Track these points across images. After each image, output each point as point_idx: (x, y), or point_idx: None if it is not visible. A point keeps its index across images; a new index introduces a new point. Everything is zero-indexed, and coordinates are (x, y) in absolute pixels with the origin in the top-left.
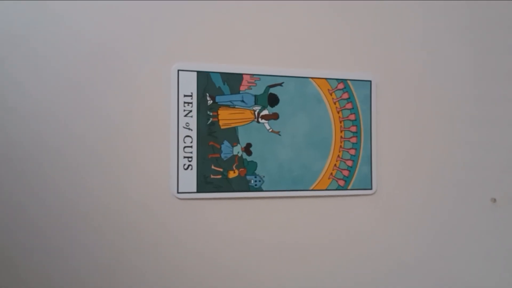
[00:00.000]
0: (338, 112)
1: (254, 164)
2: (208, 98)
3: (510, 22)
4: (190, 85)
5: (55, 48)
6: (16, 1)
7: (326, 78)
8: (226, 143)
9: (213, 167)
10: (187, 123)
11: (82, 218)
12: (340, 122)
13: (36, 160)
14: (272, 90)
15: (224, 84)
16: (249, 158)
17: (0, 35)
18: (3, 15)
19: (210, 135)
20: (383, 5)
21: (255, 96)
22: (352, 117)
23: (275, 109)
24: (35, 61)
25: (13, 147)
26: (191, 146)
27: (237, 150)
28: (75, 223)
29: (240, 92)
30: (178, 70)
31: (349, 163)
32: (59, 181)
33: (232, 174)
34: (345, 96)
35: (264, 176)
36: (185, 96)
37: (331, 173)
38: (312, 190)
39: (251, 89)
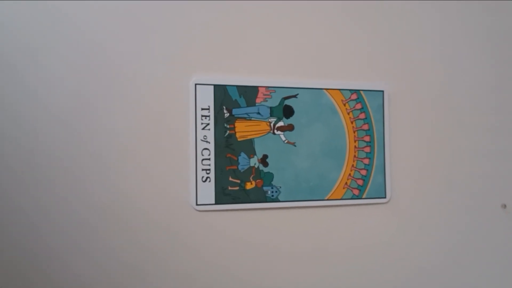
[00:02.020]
0: (351, 122)
1: (270, 175)
2: (225, 111)
3: None
4: (207, 98)
5: (70, 58)
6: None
7: (339, 89)
8: (243, 155)
9: (230, 178)
10: (205, 136)
11: (101, 230)
12: (354, 132)
13: (54, 168)
14: (287, 102)
15: (240, 97)
16: (265, 170)
17: (3, 35)
18: (3, 16)
19: (227, 147)
20: (396, 15)
21: (271, 108)
22: (366, 127)
23: (290, 121)
24: (47, 70)
25: (23, 151)
26: (209, 159)
27: (254, 161)
28: (94, 234)
29: (256, 104)
30: (196, 84)
31: (363, 172)
32: (77, 190)
33: (249, 186)
34: (358, 106)
35: (280, 187)
36: (202, 109)
37: (346, 183)
38: (327, 199)
39: (266, 101)
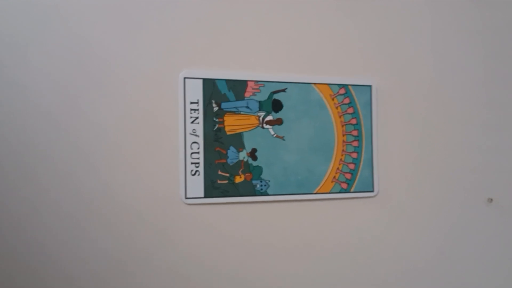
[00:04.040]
0: (340, 117)
1: (259, 169)
2: (214, 105)
3: None
4: (196, 92)
5: (58, 53)
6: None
7: (328, 84)
8: (232, 148)
9: (219, 172)
10: (194, 129)
11: (90, 223)
12: (342, 126)
13: (39, 166)
14: (276, 96)
15: (229, 91)
16: (254, 163)
17: None
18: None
19: (216, 141)
20: (385, 9)
21: (260, 102)
22: (354, 121)
23: (279, 115)
24: (35, 65)
25: (11, 151)
26: (198, 152)
27: (243, 155)
28: (82, 228)
29: (245, 98)
30: (185, 78)
31: (351, 166)
32: (65, 186)
33: (238, 179)
34: (347, 101)
35: (269, 181)
36: (191, 103)
37: (334, 176)
38: (316, 193)
39: (255, 95)
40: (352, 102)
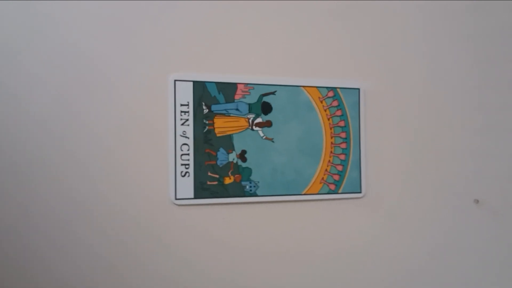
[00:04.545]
0: (328, 119)
1: (249, 170)
2: (204, 107)
3: None
4: (186, 94)
5: (51, 58)
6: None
7: (316, 87)
8: (221, 150)
9: (209, 173)
10: (184, 131)
11: (81, 226)
12: (331, 128)
13: (31, 170)
14: (265, 99)
15: (219, 93)
16: (244, 165)
17: None
18: None
19: (206, 143)
20: (375, 15)
21: (249, 104)
22: (342, 123)
23: (268, 117)
24: (28, 70)
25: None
26: (188, 154)
27: (233, 157)
28: (73, 230)
29: (235, 101)
30: (175, 80)
31: (339, 168)
32: (56, 189)
33: (228, 180)
34: (335, 103)
35: (258, 182)
36: (181, 105)
37: (323, 178)
38: (304, 194)
39: (245, 97)
40: (340, 104)
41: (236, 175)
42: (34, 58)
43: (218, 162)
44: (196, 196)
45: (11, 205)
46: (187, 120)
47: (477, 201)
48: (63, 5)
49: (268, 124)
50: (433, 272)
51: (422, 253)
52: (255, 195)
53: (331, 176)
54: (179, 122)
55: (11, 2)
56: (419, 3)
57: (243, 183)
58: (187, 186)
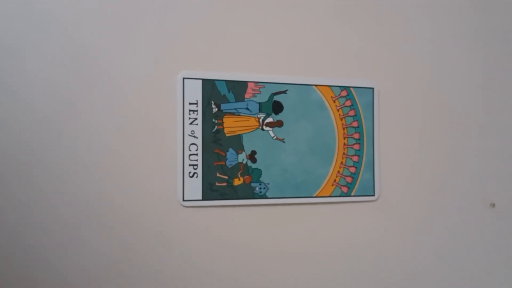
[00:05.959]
0: (341, 119)
1: (258, 172)
2: (213, 106)
3: None
4: (195, 93)
5: (54, 56)
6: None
7: (329, 86)
8: (231, 150)
9: (218, 174)
10: (193, 131)
11: (86, 226)
12: (343, 129)
13: (35, 169)
14: (276, 98)
15: (229, 92)
16: (253, 166)
17: None
18: None
19: (215, 143)
20: (387, 12)
21: (260, 103)
22: (355, 124)
23: (279, 117)
24: (31, 69)
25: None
26: (197, 154)
27: (242, 157)
28: (78, 230)
29: (245, 99)
30: (184, 78)
31: (352, 169)
32: (61, 189)
33: (237, 182)
34: (348, 103)
35: (268, 184)
36: (190, 104)
37: (335, 180)
38: (316, 197)
39: (255, 96)
40: (353, 104)
41: (245, 176)
42: (38, 57)
43: (227, 163)
44: (204, 198)
45: (15, 205)
46: (196, 119)
47: (493, 205)
48: (68, 3)
49: (279, 124)
50: (446, 275)
51: (435, 257)
52: (265, 197)
53: (344, 178)
54: (187, 121)
55: (15, 1)
56: (433, 2)
57: (253, 184)
58: (195, 187)
